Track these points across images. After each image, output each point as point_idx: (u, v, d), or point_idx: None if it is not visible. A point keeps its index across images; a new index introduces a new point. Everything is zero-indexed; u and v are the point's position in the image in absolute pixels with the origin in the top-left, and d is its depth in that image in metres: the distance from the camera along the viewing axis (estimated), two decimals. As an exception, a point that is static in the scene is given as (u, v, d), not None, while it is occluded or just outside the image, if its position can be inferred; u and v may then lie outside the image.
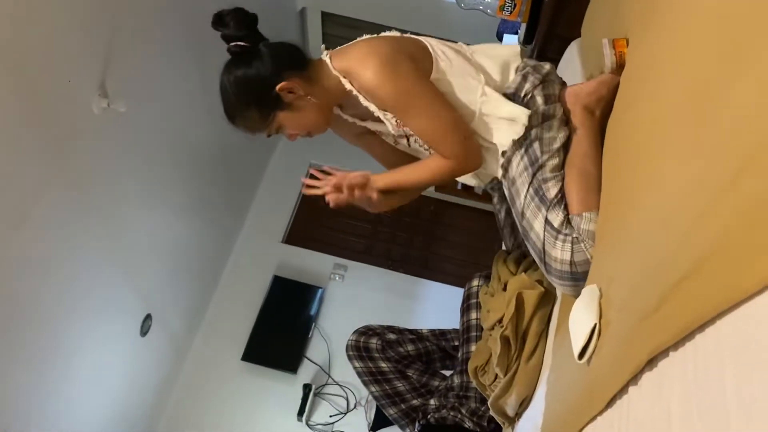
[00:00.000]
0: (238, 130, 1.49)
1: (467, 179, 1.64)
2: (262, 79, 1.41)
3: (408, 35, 1.50)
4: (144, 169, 2.64)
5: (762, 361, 0.62)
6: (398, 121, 1.45)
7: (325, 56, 1.47)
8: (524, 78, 1.47)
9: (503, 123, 1.44)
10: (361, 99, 1.44)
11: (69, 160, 2.11)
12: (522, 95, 1.45)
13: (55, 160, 2.04)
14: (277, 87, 1.40)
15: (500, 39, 3.01)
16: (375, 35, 1.51)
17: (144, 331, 3.05)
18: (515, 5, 2.42)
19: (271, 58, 1.42)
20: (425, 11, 3.90)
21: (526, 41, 2.60)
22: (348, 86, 1.43)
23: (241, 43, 1.43)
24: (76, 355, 2.47)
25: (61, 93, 1.99)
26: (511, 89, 1.46)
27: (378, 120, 1.50)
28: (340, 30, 4.30)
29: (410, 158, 1.61)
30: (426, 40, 1.47)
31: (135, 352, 3.04)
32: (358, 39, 1.50)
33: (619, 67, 1.42)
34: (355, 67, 1.39)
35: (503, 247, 1.95)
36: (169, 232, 3.05)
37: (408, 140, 1.54)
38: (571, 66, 1.95)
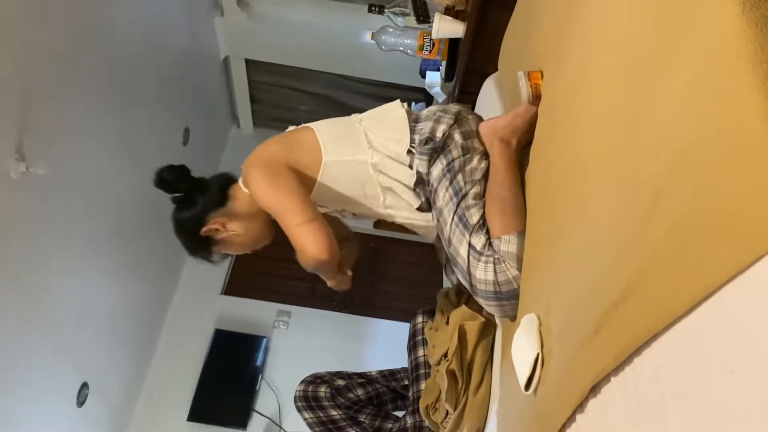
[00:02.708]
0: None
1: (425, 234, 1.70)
2: (190, 226, 1.60)
3: (306, 127, 1.61)
4: (68, 233, 2.54)
5: (696, 382, 0.63)
6: None
7: (240, 181, 1.62)
8: (437, 121, 1.54)
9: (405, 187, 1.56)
10: None
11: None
12: (438, 136, 1.51)
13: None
14: (201, 231, 1.59)
15: (423, 76, 3.09)
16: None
17: (81, 400, 2.90)
18: (433, 44, 2.48)
19: (199, 203, 1.60)
20: (348, 54, 3.96)
21: (447, 78, 2.67)
22: None
23: (177, 195, 1.63)
24: (7, 435, 2.31)
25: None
26: (425, 134, 1.52)
27: None
28: (265, 76, 4.31)
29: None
30: (318, 134, 1.57)
31: (73, 424, 2.88)
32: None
33: (536, 98, 1.46)
34: (246, 180, 1.54)
35: (445, 284, 1.96)
36: (100, 294, 2.93)
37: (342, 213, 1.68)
38: (489, 100, 2.00)
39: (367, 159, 1.54)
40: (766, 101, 0.59)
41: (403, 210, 1.59)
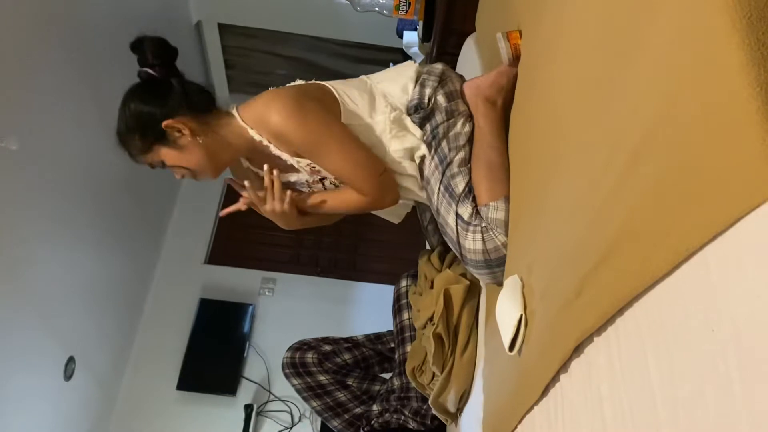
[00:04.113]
0: (123, 152, 1.48)
1: (389, 216, 1.70)
2: (153, 111, 1.40)
3: (313, 82, 1.52)
4: (46, 207, 2.50)
5: (677, 342, 0.64)
6: (312, 166, 1.46)
7: (233, 109, 1.47)
8: (423, 85, 1.51)
9: (408, 154, 1.49)
10: (272, 149, 1.44)
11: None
12: (426, 101, 1.48)
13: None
14: (163, 123, 1.39)
15: (401, 36, 3.04)
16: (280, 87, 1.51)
17: (68, 374, 2.90)
18: (410, 4, 2.44)
19: (173, 94, 1.42)
20: (322, 15, 3.89)
21: (424, 38, 2.63)
22: (257, 137, 1.42)
23: (150, 71, 1.43)
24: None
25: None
26: (414, 101, 1.49)
27: (291, 169, 1.50)
28: (239, 40, 4.22)
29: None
30: (330, 85, 1.48)
31: (61, 398, 2.88)
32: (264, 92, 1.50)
33: (516, 58, 1.45)
34: (262, 114, 1.39)
35: (427, 246, 1.97)
36: (81, 268, 2.90)
37: (323, 183, 1.55)
38: (469, 61, 1.98)
39: (387, 117, 1.46)
40: (745, 59, 0.59)
41: (407, 175, 1.52)
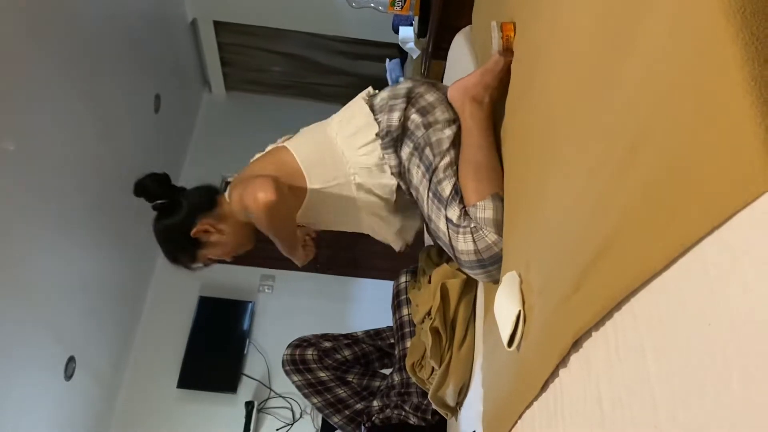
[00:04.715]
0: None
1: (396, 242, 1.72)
2: (179, 229, 1.61)
3: (285, 148, 1.60)
4: (44, 207, 2.49)
5: (675, 336, 0.64)
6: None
7: (227, 189, 1.64)
8: (390, 110, 1.53)
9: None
10: None
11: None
12: (395, 125, 1.51)
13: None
14: (192, 233, 1.60)
15: (396, 32, 3.03)
16: (261, 155, 1.67)
17: (68, 374, 2.90)
18: (405, 0, 2.43)
19: (185, 207, 1.62)
20: (318, 11, 3.88)
21: (420, 34, 2.62)
22: (243, 217, 1.60)
23: (160, 201, 1.64)
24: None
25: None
26: (383, 130, 1.52)
27: None
28: (235, 38, 4.22)
29: None
30: (297, 159, 1.56)
31: (62, 398, 2.88)
32: (251, 162, 1.68)
33: (506, 50, 1.44)
34: (243, 205, 1.51)
35: (427, 242, 1.97)
36: (79, 268, 2.90)
37: None
38: (460, 56, 1.98)
39: (351, 180, 1.55)
40: (740, 54, 0.59)
41: (382, 220, 1.62)
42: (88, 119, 2.75)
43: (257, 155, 1.70)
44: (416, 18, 2.59)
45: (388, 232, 1.65)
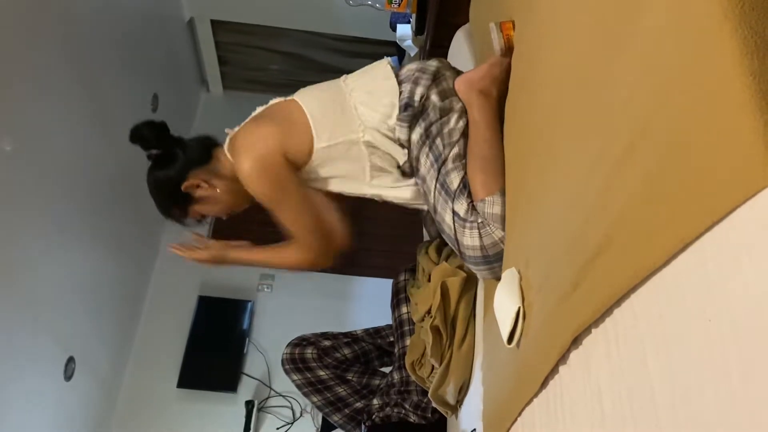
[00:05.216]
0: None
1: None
2: (170, 181, 1.55)
3: (292, 102, 1.56)
4: (42, 207, 2.49)
5: (675, 333, 0.64)
6: None
7: (227, 141, 1.58)
8: (415, 82, 1.50)
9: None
10: None
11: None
12: (417, 100, 1.48)
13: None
14: (182, 187, 1.54)
15: (394, 29, 3.03)
16: (265, 107, 1.61)
17: (68, 375, 2.90)
18: (402, -3, 2.43)
19: (180, 159, 1.56)
20: (315, 9, 3.87)
21: (418, 31, 2.62)
22: None
23: (155, 151, 1.59)
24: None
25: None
26: (405, 99, 1.48)
27: None
28: (233, 37, 4.21)
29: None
30: (308, 113, 1.51)
31: (61, 399, 2.88)
32: (253, 114, 1.62)
33: (508, 49, 1.44)
34: (236, 159, 1.49)
35: (425, 238, 1.97)
36: (78, 268, 2.89)
37: None
38: (460, 53, 1.97)
39: (359, 138, 1.49)
40: (738, 48, 0.58)
41: (390, 185, 1.55)
42: (85, 119, 2.74)
43: (258, 108, 1.64)
44: (413, 15, 2.58)
45: (397, 193, 1.58)
